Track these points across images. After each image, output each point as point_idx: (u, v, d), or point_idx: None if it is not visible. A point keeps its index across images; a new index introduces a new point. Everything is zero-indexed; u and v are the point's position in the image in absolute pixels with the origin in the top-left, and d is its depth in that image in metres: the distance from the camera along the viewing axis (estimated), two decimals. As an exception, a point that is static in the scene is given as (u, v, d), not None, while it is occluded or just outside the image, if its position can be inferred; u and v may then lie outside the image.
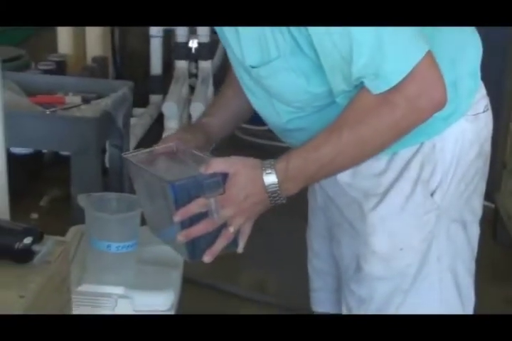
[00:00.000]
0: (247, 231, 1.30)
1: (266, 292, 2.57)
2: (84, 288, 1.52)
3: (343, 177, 1.39)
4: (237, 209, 1.25)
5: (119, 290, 1.54)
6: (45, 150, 3.07)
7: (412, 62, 1.19)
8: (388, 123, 1.22)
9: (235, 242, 1.29)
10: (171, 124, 3.39)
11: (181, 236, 1.26)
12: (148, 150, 1.39)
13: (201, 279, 2.51)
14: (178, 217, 1.25)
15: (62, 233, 1.41)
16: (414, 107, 1.21)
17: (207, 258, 1.28)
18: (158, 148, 1.41)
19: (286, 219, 2.68)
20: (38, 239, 1.17)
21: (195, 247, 1.28)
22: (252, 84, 1.38)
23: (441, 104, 1.23)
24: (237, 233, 1.29)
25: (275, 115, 1.39)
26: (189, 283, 1.81)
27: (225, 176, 1.25)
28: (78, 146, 2.24)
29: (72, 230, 1.73)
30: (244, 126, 3.39)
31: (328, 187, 1.46)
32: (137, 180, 1.38)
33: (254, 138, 3.52)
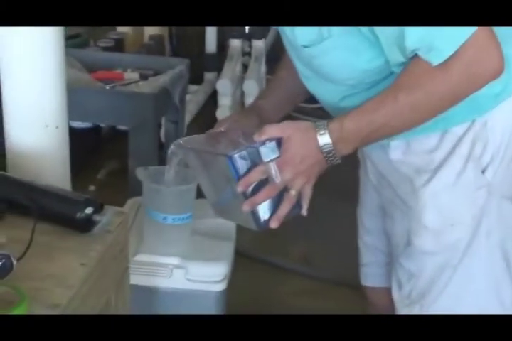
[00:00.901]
0: (308, 193, 1.28)
1: (312, 265, 2.57)
2: (141, 257, 1.55)
3: (395, 154, 1.38)
4: (295, 171, 1.24)
5: (174, 260, 1.55)
6: (103, 125, 3.10)
7: (464, 37, 1.16)
8: (443, 87, 1.20)
9: (298, 205, 1.29)
10: (225, 101, 3.40)
11: (246, 206, 1.25)
12: (200, 135, 1.40)
13: (251, 252, 2.52)
14: (241, 187, 1.24)
15: (118, 205, 1.42)
16: (470, 73, 1.19)
17: (274, 223, 1.27)
18: (211, 132, 1.41)
19: (334, 197, 2.68)
20: (99, 209, 1.18)
21: (260, 215, 1.27)
22: (302, 65, 1.37)
23: (497, 72, 1.20)
24: (299, 196, 1.28)
25: (328, 94, 1.38)
26: (239, 256, 1.82)
27: (279, 141, 1.25)
28: (136, 121, 2.25)
29: (130, 202, 1.75)
30: (296, 103, 3.37)
31: (381, 165, 1.45)
32: (193, 164, 1.38)
33: (305, 116, 3.50)
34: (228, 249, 1.63)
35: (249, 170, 1.24)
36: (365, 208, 1.58)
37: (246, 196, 1.25)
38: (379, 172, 1.47)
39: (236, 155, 1.24)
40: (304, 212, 1.29)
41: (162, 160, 2.36)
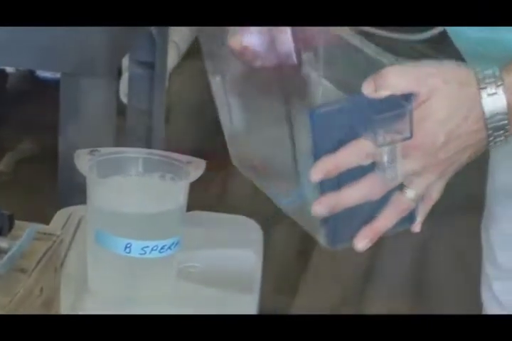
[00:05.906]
0: (434, 196, 1.33)
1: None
2: (81, 321, 1.55)
3: None
4: (429, 159, 1.27)
5: (145, 327, 1.56)
6: (10, 69, 3.12)
7: None
8: None
9: (408, 214, 1.34)
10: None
11: (319, 206, 1.28)
12: None
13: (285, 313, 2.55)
14: (316, 173, 1.26)
15: (39, 221, 1.42)
16: None
17: (362, 241, 1.30)
18: None
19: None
20: (5, 227, 1.23)
21: (338, 224, 1.31)
22: None
23: None
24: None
25: None
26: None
27: (407, 98, 1.27)
28: (74, 62, 2.25)
29: (60, 216, 1.77)
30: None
31: None
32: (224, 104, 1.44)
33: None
34: (246, 306, 1.64)
35: (341, 144, 1.27)
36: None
37: (323, 188, 1.28)
38: None
39: (323, 111, 1.26)
40: (417, 226, 1.34)
41: (122, 137, 2.39)
